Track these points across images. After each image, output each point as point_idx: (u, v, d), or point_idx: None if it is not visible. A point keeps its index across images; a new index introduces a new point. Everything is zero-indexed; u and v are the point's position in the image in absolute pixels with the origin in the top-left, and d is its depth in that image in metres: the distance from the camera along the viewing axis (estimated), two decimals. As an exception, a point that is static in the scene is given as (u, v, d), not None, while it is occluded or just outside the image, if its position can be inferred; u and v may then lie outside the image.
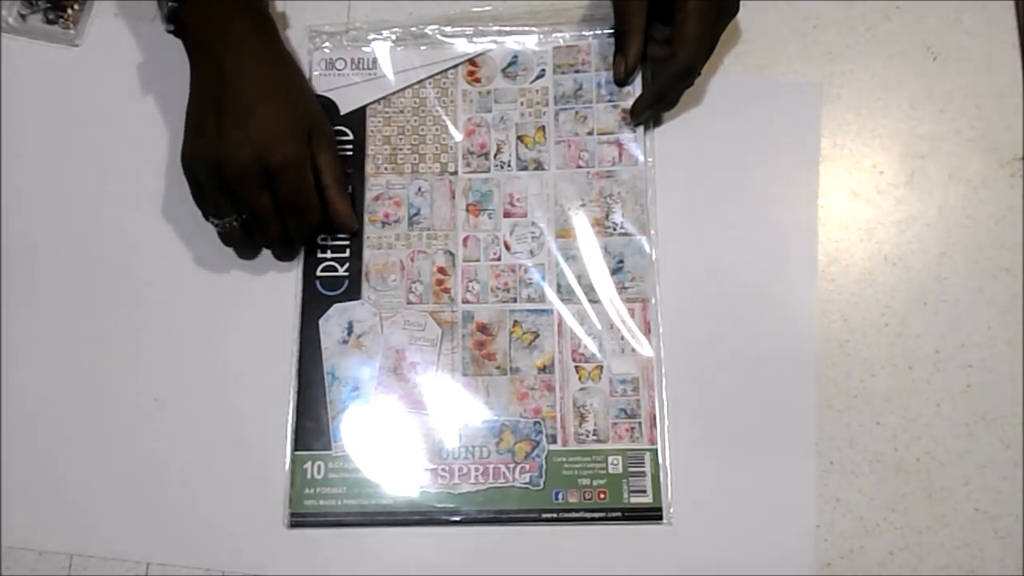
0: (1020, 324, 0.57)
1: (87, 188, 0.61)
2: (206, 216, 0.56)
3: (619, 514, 0.55)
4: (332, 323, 0.58)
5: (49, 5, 0.62)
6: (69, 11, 0.61)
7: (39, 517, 0.56)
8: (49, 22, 0.61)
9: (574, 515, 0.55)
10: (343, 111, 0.61)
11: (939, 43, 0.61)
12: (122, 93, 0.62)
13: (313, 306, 0.58)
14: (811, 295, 0.58)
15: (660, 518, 0.55)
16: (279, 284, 0.59)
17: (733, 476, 0.56)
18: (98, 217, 0.60)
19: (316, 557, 0.55)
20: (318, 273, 0.59)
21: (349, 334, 0.58)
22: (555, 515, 0.55)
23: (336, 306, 0.58)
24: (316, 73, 0.62)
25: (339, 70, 0.62)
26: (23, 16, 0.61)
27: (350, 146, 0.61)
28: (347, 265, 0.59)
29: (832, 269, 0.58)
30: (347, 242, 0.59)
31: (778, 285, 0.58)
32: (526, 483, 0.55)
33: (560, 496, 0.55)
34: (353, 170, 0.60)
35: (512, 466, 0.55)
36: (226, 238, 0.57)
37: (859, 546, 0.55)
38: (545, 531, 0.55)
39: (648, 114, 0.59)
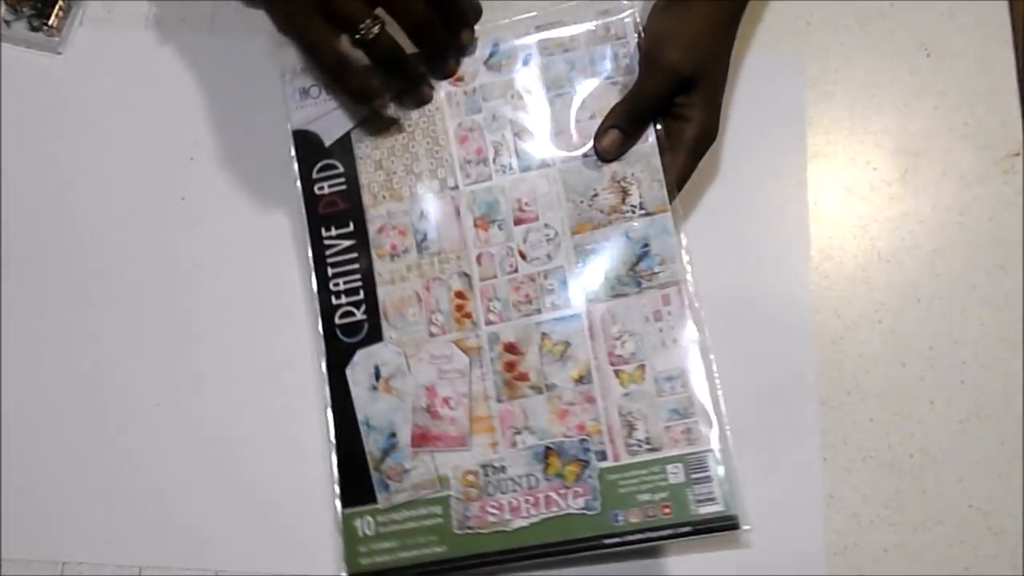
0: (1013, 321, 0.57)
1: (75, 196, 0.60)
2: (341, 37, 0.51)
3: (689, 528, 0.51)
4: (359, 370, 0.55)
5: (33, 12, 0.61)
6: (53, 18, 0.61)
7: (34, 528, 0.56)
8: (33, 29, 0.61)
9: (639, 536, 0.51)
10: (327, 143, 0.57)
11: (933, 40, 0.61)
12: (105, 101, 0.61)
13: (337, 356, 0.55)
14: (804, 291, 0.58)
15: (736, 526, 0.51)
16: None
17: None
18: (80, 227, 0.59)
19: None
20: (337, 321, 0.55)
21: (377, 379, 0.54)
22: (618, 539, 0.51)
23: (360, 352, 0.55)
24: (293, 107, 0.57)
25: (314, 98, 0.57)
26: (7, 22, 0.61)
27: (342, 179, 0.56)
28: (363, 307, 0.55)
29: (826, 266, 0.58)
30: (359, 283, 0.56)
31: (771, 280, 0.58)
32: (581, 508, 0.52)
33: (620, 518, 0.52)
34: (350, 204, 0.56)
35: (564, 491, 0.52)
36: (374, 49, 0.51)
37: (852, 543, 0.55)
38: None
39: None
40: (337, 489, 0.54)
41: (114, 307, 0.58)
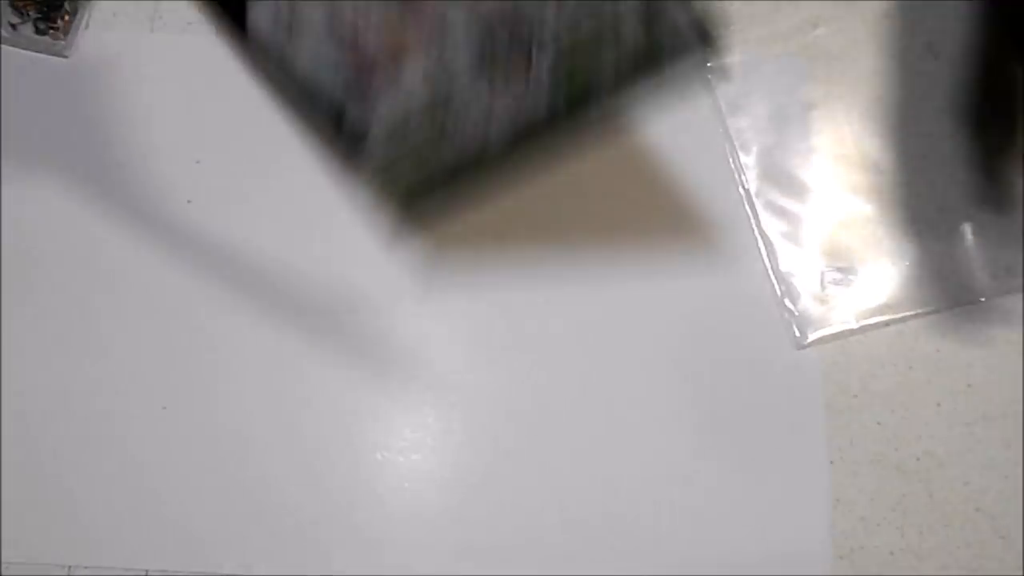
0: (1019, 323, 0.57)
1: (81, 199, 0.59)
2: None
3: None
4: None
5: (39, 15, 0.61)
6: (59, 22, 0.61)
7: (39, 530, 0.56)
8: (39, 32, 0.61)
9: None
10: None
11: (940, 41, 0.61)
12: (111, 104, 0.61)
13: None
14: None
15: None
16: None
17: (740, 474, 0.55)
18: (84, 231, 0.59)
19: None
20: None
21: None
22: None
23: None
24: None
25: None
26: (13, 25, 0.61)
27: None
28: None
29: (832, 268, 0.58)
30: None
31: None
32: None
33: None
34: None
35: None
36: None
37: (859, 546, 0.55)
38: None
39: None
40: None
41: (119, 310, 0.58)
